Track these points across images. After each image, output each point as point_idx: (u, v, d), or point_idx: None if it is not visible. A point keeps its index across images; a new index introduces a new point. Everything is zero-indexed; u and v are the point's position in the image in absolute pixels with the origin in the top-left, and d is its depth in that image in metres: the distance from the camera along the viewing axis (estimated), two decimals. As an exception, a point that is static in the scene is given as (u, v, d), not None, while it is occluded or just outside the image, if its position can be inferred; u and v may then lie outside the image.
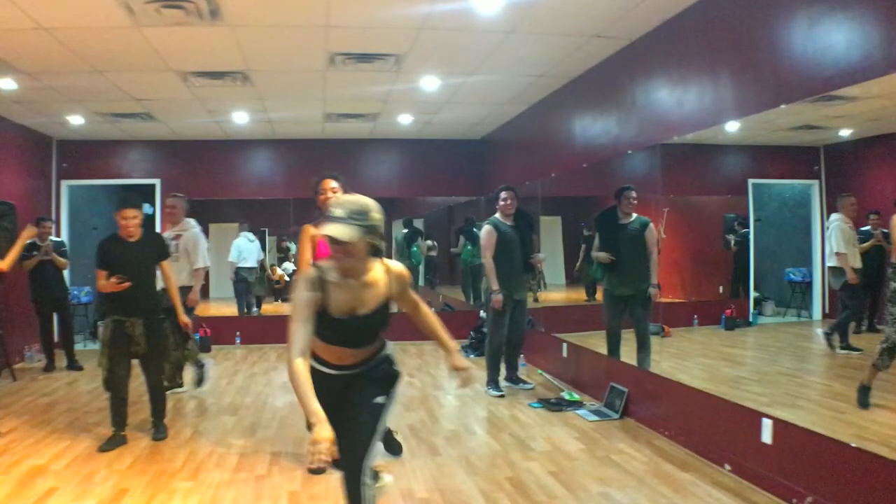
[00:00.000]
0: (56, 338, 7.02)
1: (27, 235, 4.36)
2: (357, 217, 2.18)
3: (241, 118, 7.35)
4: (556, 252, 7.76)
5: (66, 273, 6.94)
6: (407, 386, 5.80)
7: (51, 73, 5.36)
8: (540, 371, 6.25)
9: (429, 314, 2.60)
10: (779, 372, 4.34)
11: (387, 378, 2.47)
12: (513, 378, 5.74)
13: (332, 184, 3.80)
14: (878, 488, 2.67)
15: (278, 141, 8.73)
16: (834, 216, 3.73)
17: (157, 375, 4.38)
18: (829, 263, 3.79)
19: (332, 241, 2.16)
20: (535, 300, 7.05)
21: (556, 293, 7.58)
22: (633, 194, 5.00)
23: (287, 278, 9.29)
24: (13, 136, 7.18)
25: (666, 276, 5.23)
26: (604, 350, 5.16)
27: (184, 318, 4.69)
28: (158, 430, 4.32)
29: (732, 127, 3.91)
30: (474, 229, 8.47)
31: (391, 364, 2.51)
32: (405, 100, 6.70)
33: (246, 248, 8.62)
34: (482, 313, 7.10)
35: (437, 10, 4.26)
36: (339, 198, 2.34)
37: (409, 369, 6.56)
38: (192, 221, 5.65)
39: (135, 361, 4.26)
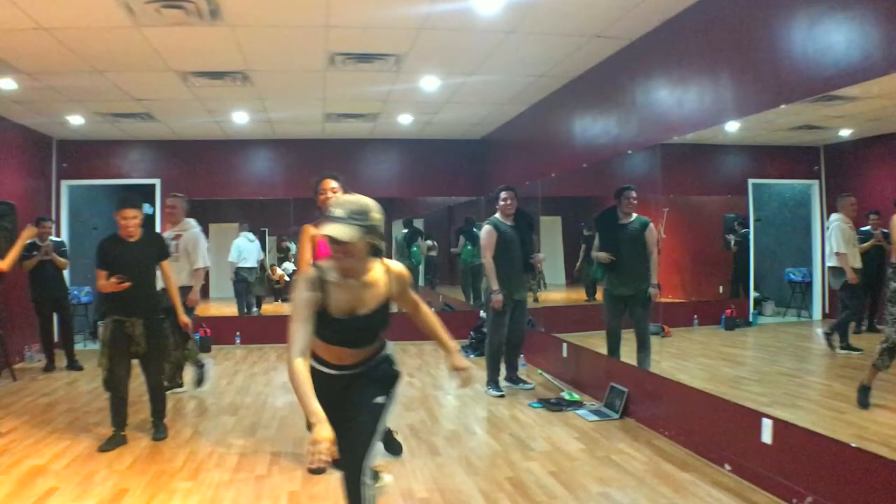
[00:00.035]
0: (56, 338, 7.02)
1: (27, 235, 4.36)
2: (357, 217, 2.18)
3: (241, 118, 7.35)
4: (556, 252, 7.76)
5: (66, 273, 6.94)
6: (407, 386, 5.80)
7: (51, 73, 5.36)
8: (540, 371, 6.25)
9: (429, 314, 2.60)
10: (779, 372, 4.34)
11: (387, 378, 2.47)
12: (513, 378, 5.74)
13: (332, 184, 3.80)
14: (878, 488, 2.67)
15: (278, 141, 8.74)
16: (834, 216, 3.73)
17: (157, 375, 4.38)
18: (829, 263, 3.79)
19: (332, 241, 2.16)
20: (535, 300, 7.05)
21: (556, 293, 7.58)
22: (633, 194, 5.00)
23: (287, 278, 9.29)
24: (13, 136, 7.18)
25: (666, 276, 5.23)
26: (604, 350, 5.16)
27: (184, 318, 4.69)
28: (158, 430, 4.32)
29: (732, 127, 3.91)
30: (474, 229, 8.47)
31: (391, 364, 2.51)
32: (405, 100, 6.70)
33: (246, 248, 8.62)
34: (482, 313, 7.10)
35: (437, 10, 4.26)
36: (339, 198, 2.34)
37: (409, 369, 6.56)
38: (192, 221, 5.65)
39: (135, 361, 4.26)
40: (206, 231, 6.10)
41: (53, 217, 7.96)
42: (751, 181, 4.57)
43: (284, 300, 9.23)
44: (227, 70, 5.49)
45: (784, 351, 4.66)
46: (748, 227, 4.58)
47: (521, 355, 5.97)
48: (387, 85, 6.07)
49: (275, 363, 7.16)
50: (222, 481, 3.55)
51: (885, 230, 3.42)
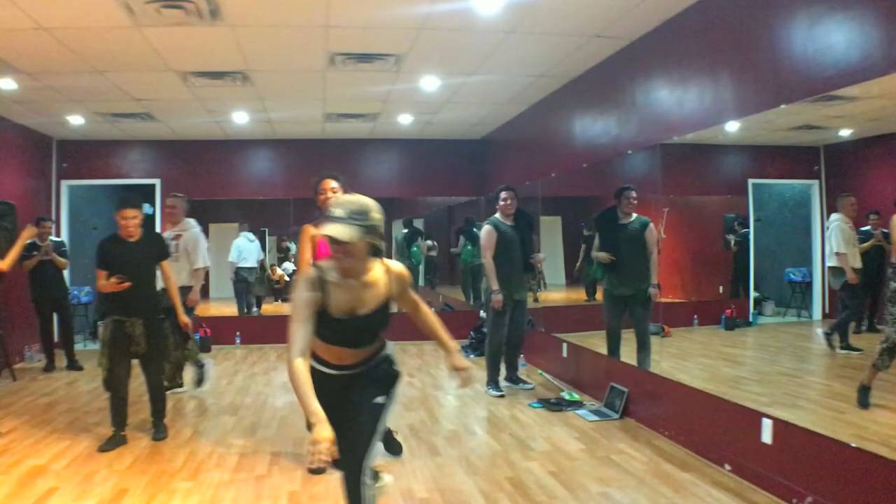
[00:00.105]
0: (56, 338, 7.02)
1: (27, 235, 4.36)
2: (357, 217, 2.18)
3: (241, 118, 7.35)
4: (556, 252, 7.76)
5: (66, 273, 6.94)
6: (407, 386, 5.80)
7: (51, 73, 5.36)
8: (540, 371, 6.25)
9: (429, 314, 2.60)
10: (779, 372, 4.34)
11: (387, 378, 2.47)
12: (513, 378, 5.74)
13: (332, 184, 3.80)
14: (878, 488, 2.67)
15: (278, 141, 8.73)
16: (834, 216, 3.73)
17: (157, 375, 4.38)
18: (829, 263, 3.79)
19: (332, 241, 2.16)
20: (535, 300, 7.05)
21: (556, 293, 7.58)
22: (633, 194, 5.00)
23: (287, 278, 9.29)
24: (13, 136, 7.18)
25: (666, 276, 5.23)
26: (604, 350, 5.16)
27: (184, 318, 4.69)
28: (158, 430, 4.32)
29: (732, 127, 3.91)
30: (474, 229, 8.47)
31: (391, 364, 2.51)
32: (405, 100, 6.70)
33: (246, 248, 8.62)
34: (482, 313, 7.10)
35: (437, 10, 4.26)
36: (339, 198, 2.34)
37: (409, 369, 6.56)
38: (192, 221, 5.65)
39: (135, 361, 4.26)
40: (206, 231, 6.10)
41: (53, 217, 7.96)
42: (751, 181, 4.57)
43: (284, 300, 9.23)
44: (227, 70, 5.49)
45: (784, 351, 4.66)
46: (748, 227, 4.58)
47: (521, 355, 5.97)
48: (387, 85, 6.07)
49: (275, 363, 7.16)
50: (222, 481, 3.55)
51: (885, 230, 3.42)
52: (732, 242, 4.91)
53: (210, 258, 5.72)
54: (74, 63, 5.08)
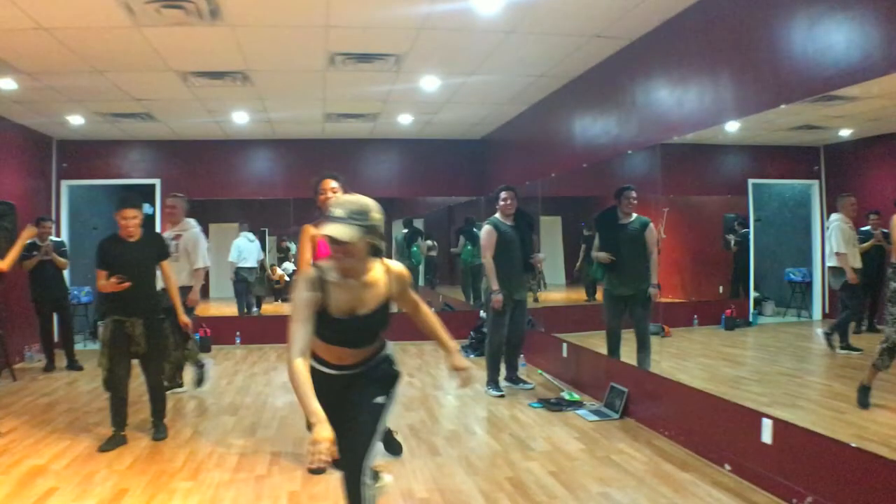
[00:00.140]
0: (56, 338, 7.02)
1: (27, 235, 4.36)
2: (357, 217, 2.18)
3: (241, 118, 7.35)
4: (556, 252, 7.76)
5: (66, 273, 6.94)
6: (407, 386, 5.80)
7: (51, 73, 5.37)
8: (540, 371, 6.25)
9: (429, 314, 2.60)
10: (779, 372, 4.34)
11: (387, 378, 2.47)
12: (513, 378, 5.74)
13: (332, 184, 3.80)
14: (878, 488, 2.67)
15: (278, 141, 8.73)
16: (834, 216, 3.73)
17: (157, 375, 4.38)
18: (829, 263, 3.79)
19: (332, 241, 2.16)
20: (535, 300, 7.05)
21: (556, 293, 7.58)
22: (633, 194, 5.00)
23: (287, 278, 9.29)
24: (13, 136, 7.18)
25: (666, 276, 5.23)
26: (604, 350, 5.16)
27: (184, 318, 4.69)
28: (158, 430, 4.32)
29: (732, 127, 3.91)
30: (474, 229, 8.47)
31: (391, 364, 2.51)
32: (405, 100, 6.70)
33: (246, 248, 8.62)
34: (482, 313, 7.10)
35: (437, 10, 4.26)
36: (339, 198, 2.34)
37: (409, 369, 6.56)
38: (192, 221, 5.65)
39: (135, 361, 4.26)
40: (206, 231, 6.10)
41: (53, 217, 7.96)
42: (751, 181, 4.57)
43: (284, 300, 9.23)
44: (227, 70, 5.49)
45: (784, 351, 4.66)
46: (748, 227, 4.58)
47: (521, 355, 5.97)
48: (387, 85, 6.07)
49: (275, 363, 7.16)
50: (222, 481, 3.55)
51: (885, 230, 3.42)
52: (732, 242, 4.91)
53: (210, 258, 5.72)
54: (74, 63, 5.08)
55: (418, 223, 10.12)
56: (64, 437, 4.30)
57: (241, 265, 8.56)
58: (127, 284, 4.08)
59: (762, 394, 3.86)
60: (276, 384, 6.04)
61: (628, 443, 4.15)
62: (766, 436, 3.30)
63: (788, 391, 3.95)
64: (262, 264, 8.95)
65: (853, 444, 2.82)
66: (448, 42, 4.91)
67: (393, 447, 3.96)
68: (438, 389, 5.82)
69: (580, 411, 4.87)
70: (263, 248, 9.16)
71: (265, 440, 4.31)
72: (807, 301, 4.26)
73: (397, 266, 2.42)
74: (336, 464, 2.21)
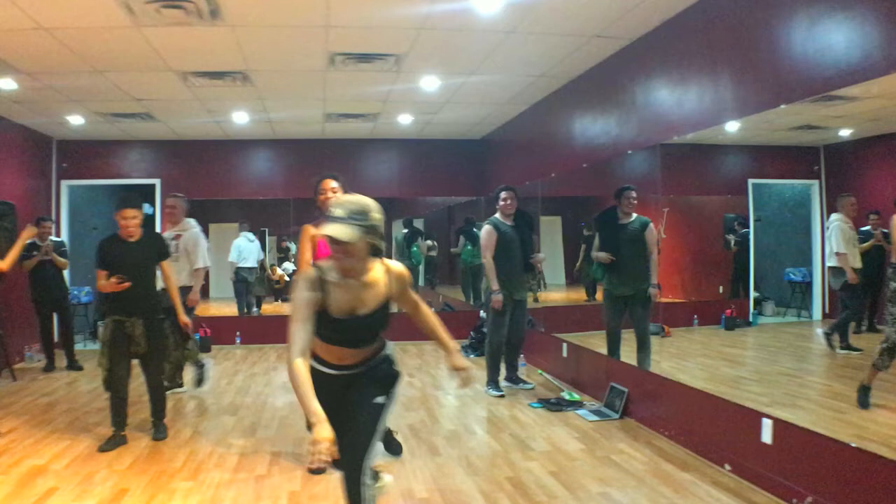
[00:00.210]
0: (56, 338, 7.02)
1: (27, 235, 4.37)
2: (357, 217, 2.18)
3: (241, 118, 7.35)
4: (556, 252, 7.76)
5: (66, 273, 6.93)
6: (407, 386, 5.80)
7: (51, 73, 5.37)
8: (540, 371, 6.25)
9: (429, 314, 2.60)
10: (779, 372, 4.34)
11: (387, 378, 2.47)
12: (513, 378, 5.74)
13: (332, 184, 3.80)
14: (878, 488, 2.67)
15: (278, 141, 8.74)
16: (834, 216, 3.73)
17: (157, 375, 4.38)
18: (829, 263, 3.79)
19: (332, 241, 2.16)
20: (535, 300, 7.05)
21: (556, 293, 7.58)
22: (633, 194, 5.00)
23: (287, 278, 9.29)
24: (13, 136, 7.18)
25: (666, 276, 5.23)
26: (604, 350, 5.16)
27: (184, 318, 4.69)
28: (158, 430, 4.32)
29: (732, 127, 3.91)
30: (474, 229, 8.47)
31: (391, 364, 2.51)
32: (405, 100, 6.70)
33: (246, 248, 8.62)
34: (482, 313, 7.10)
35: (437, 10, 4.26)
36: (340, 198, 2.34)
37: (409, 369, 6.56)
38: (192, 221, 5.65)
39: (135, 361, 4.26)
40: (206, 231, 6.10)
41: (53, 217, 7.96)
42: (751, 181, 4.58)
43: (284, 300, 9.23)
44: (227, 70, 5.49)
45: (784, 351, 4.66)
46: (748, 227, 4.58)
47: (521, 355, 5.97)
48: (387, 85, 6.07)
49: (275, 363, 7.16)
50: (222, 481, 3.55)
51: (885, 230, 3.43)
52: (732, 242, 4.91)
53: (210, 258, 5.72)
54: (74, 63, 5.08)
55: (418, 223, 10.13)
56: (64, 437, 4.30)
57: (241, 265, 8.56)
58: (127, 284, 4.08)
59: (762, 394, 3.86)
60: (276, 384, 6.04)
61: (628, 443, 4.15)
62: (766, 436, 3.30)
63: (788, 391, 3.95)
64: (262, 264, 8.95)
65: (853, 444, 2.82)
66: (448, 42, 4.92)
67: (393, 447, 3.96)
68: (438, 389, 5.82)
69: (580, 411, 4.87)
70: (263, 248, 9.17)
71: (265, 440, 4.31)
72: (807, 301, 4.26)
73: (397, 266, 2.42)
74: (336, 464, 2.21)
